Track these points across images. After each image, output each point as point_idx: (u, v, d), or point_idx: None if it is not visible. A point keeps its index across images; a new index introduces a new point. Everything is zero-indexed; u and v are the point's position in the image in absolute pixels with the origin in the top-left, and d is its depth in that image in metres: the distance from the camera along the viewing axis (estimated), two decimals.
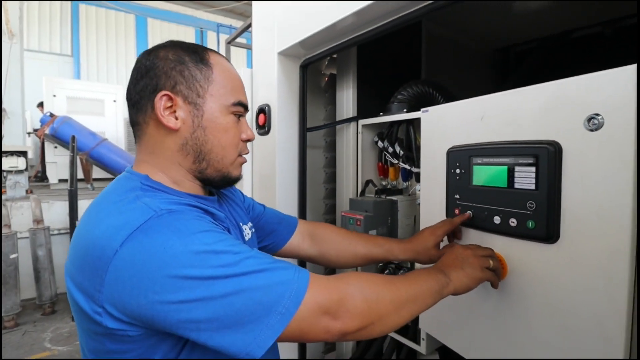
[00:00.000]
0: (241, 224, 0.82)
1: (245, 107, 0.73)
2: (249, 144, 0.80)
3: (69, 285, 0.59)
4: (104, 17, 9.23)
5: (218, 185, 0.74)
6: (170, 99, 0.65)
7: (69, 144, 3.75)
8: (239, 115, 0.72)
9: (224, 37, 5.09)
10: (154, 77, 0.66)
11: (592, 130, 0.66)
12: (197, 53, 0.68)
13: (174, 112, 0.66)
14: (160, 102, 0.65)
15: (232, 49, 4.68)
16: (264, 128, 1.35)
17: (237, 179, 0.75)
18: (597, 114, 0.65)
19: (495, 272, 0.78)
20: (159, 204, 0.57)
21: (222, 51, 5.69)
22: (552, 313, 0.74)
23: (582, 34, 2.02)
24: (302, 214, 1.33)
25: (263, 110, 1.35)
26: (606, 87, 0.64)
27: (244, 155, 0.76)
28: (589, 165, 0.67)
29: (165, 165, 0.68)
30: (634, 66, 0.61)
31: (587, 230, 0.68)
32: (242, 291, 0.52)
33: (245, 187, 1.47)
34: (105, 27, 9.24)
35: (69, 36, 8.81)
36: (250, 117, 1.47)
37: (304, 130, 1.32)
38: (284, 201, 1.32)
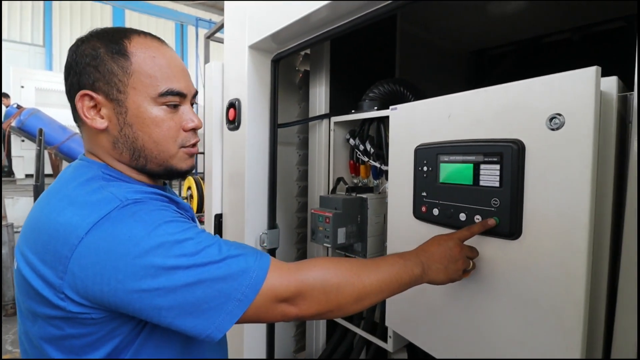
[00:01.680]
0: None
1: (181, 95, 0.66)
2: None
3: (23, 270, 0.57)
4: (79, 7, 8.86)
5: (166, 178, 0.71)
6: (92, 97, 0.62)
7: (36, 138, 3.58)
8: (175, 105, 0.65)
9: (203, 32, 4.98)
10: (75, 75, 0.62)
11: (553, 130, 0.66)
12: (115, 42, 0.62)
13: (99, 110, 0.63)
14: (82, 102, 0.62)
15: (212, 44, 4.60)
16: (233, 123, 1.31)
17: (187, 171, 0.71)
18: (559, 114, 0.65)
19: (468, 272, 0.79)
20: (125, 194, 0.57)
21: (201, 46, 5.59)
22: (515, 307, 0.74)
23: (552, 40, 2.08)
24: (272, 212, 1.30)
25: (233, 105, 1.31)
26: (568, 88, 0.64)
27: (195, 144, 0.71)
28: (550, 164, 0.67)
29: (109, 161, 0.66)
30: (594, 68, 0.61)
31: (547, 227, 0.68)
32: (203, 281, 0.54)
33: (214, 185, 1.43)
34: (80, 18, 8.87)
35: (41, 26, 8.43)
36: (221, 111, 1.43)
37: (274, 126, 1.29)
38: (254, 199, 1.28)
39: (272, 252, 1.30)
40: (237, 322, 0.56)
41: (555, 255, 0.67)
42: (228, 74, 1.38)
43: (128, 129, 0.63)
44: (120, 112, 0.63)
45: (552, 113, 0.66)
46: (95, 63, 0.61)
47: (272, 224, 1.30)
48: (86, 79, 0.62)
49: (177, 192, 4.13)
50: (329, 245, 1.16)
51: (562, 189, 0.66)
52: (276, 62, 1.27)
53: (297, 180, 1.59)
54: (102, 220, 0.53)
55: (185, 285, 0.53)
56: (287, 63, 1.55)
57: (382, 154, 1.22)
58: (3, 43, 7.71)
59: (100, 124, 0.63)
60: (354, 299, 0.62)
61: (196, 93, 0.71)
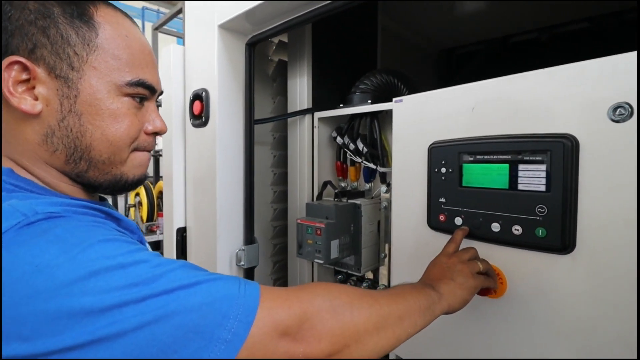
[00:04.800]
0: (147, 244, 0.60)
1: (152, 89, 0.53)
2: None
3: None
4: None
5: (110, 192, 0.54)
6: (25, 68, 0.45)
7: None
8: (141, 99, 0.52)
9: (150, 25, 4.54)
10: (6, 34, 0.45)
11: (618, 122, 0.56)
12: (77, 5, 0.47)
13: (32, 88, 0.46)
14: (8, 72, 0.44)
15: (161, 37, 4.20)
16: (199, 118, 1.09)
17: (137, 182, 0.54)
18: (626, 103, 0.55)
19: (487, 274, 0.68)
20: (34, 206, 0.40)
21: (149, 40, 5.12)
22: (567, 337, 0.62)
23: (520, 39, 2.10)
24: (250, 223, 1.10)
25: (199, 97, 1.09)
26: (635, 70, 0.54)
27: (147, 153, 0.56)
28: (613, 163, 0.56)
29: (26, 162, 0.47)
30: None
31: (610, 239, 0.57)
32: (168, 316, 0.37)
33: (175, 192, 1.19)
34: None
35: None
36: (182, 104, 1.20)
37: (250, 121, 1.10)
38: (228, 208, 1.07)
39: (250, 271, 1.10)
40: None
41: (618, 272, 0.56)
42: (191, 59, 1.16)
43: (73, 119, 0.47)
44: (66, 95, 0.46)
45: (616, 102, 0.55)
46: (43, 23, 0.45)
47: (249, 237, 1.09)
48: (22, 42, 0.44)
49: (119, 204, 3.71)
50: (320, 262, 0.99)
51: (628, 193, 0.55)
52: (252, 46, 1.07)
53: (272, 184, 1.40)
54: None
55: (140, 326, 0.36)
56: (259, 51, 1.35)
57: (377, 153, 1.08)
58: None
59: (32, 106, 0.45)
60: (373, 324, 0.48)
61: (162, 93, 0.59)
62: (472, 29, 2.06)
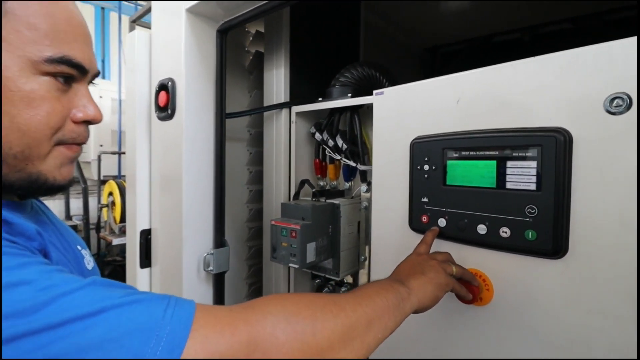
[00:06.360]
0: (78, 247, 0.51)
1: (80, 68, 0.43)
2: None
3: None
4: None
5: (25, 193, 0.44)
6: None
7: None
8: (67, 79, 0.42)
9: (127, 18, 4.36)
10: None
11: (615, 114, 0.51)
12: None
13: None
14: None
15: (139, 30, 4.03)
16: (165, 110, 1.01)
17: (61, 186, 0.45)
18: (624, 93, 0.50)
19: (461, 279, 0.63)
20: None
21: (124, 32, 4.95)
22: (558, 348, 0.57)
23: (503, 39, 2.09)
24: (220, 225, 1.02)
25: (165, 87, 1.01)
26: (635, 57, 0.49)
27: (81, 145, 0.46)
28: (609, 159, 0.51)
29: None
30: None
31: (605, 241, 0.52)
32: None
33: (139, 192, 1.10)
34: None
35: None
36: (148, 95, 1.10)
37: (221, 115, 1.01)
38: (195, 209, 0.99)
39: (220, 276, 1.02)
40: None
41: (615, 278, 0.52)
42: (158, 46, 1.07)
43: None
44: None
45: (613, 92, 0.51)
46: None
47: (219, 240, 1.01)
48: None
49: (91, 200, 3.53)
50: (295, 266, 0.92)
51: (626, 192, 0.50)
52: (223, 33, 0.99)
53: (248, 183, 1.32)
54: None
55: None
56: (235, 42, 1.27)
57: (357, 150, 1.02)
58: None
59: None
60: (339, 337, 0.41)
61: (98, 74, 0.48)
62: (456, 28, 2.04)
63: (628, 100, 0.49)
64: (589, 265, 0.54)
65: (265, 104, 1.17)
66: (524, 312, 0.60)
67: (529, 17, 1.87)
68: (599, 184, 0.52)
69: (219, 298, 1.01)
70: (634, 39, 0.49)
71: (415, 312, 0.54)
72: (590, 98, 0.52)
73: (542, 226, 0.56)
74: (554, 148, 0.55)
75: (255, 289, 1.35)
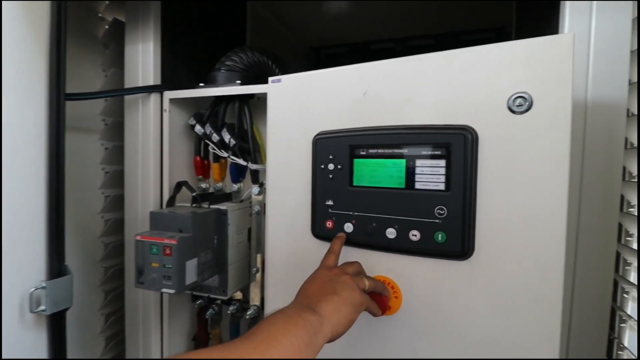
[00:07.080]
0: None
1: None
2: None
3: None
4: None
5: None
6: None
7: None
8: None
9: None
10: None
11: (516, 114, 0.51)
12: None
13: None
14: None
15: None
16: None
17: None
18: (525, 93, 0.50)
19: (372, 292, 0.56)
20: None
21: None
22: (466, 350, 0.55)
23: (378, 47, 2.23)
24: (57, 245, 0.74)
25: None
26: (538, 59, 0.50)
27: None
28: (512, 158, 0.52)
29: None
30: (571, 34, 0.48)
31: (509, 241, 0.52)
32: None
33: None
34: None
35: None
36: None
37: (59, 97, 0.74)
38: (14, 224, 0.69)
39: (58, 317, 0.74)
40: None
41: (520, 278, 0.52)
42: None
43: None
44: None
45: (515, 92, 0.51)
46: None
47: (56, 267, 0.73)
48: None
49: None
50: (171, 292, 0.73)
51: (529, 190, 0.51)
52: None
53: (104, 187, 1.03)
54: None
55: None
56: (83, 4, 0.98)
57: (247, 147, 0.88)
58: None
59: None
60: None
61: None
62: (337, 30, 2.08)
63: (530, 100, 0.50)
64: (494, 265, 0.53)
65: (127, 86, 0.93)
66: (433, 316, 0.58)
67: (398, 28, 2.01)
68: (502, 183, 0.52)
69: (56, 346, 0.73)
70: (536, 39, 0.49)
71: (329, 341, 0.45)
72: (494, 96, 0.52)
73: (452, 227, 0.54)
74: (462, 146, 0.53)
75: (115, 319, 1.07)
